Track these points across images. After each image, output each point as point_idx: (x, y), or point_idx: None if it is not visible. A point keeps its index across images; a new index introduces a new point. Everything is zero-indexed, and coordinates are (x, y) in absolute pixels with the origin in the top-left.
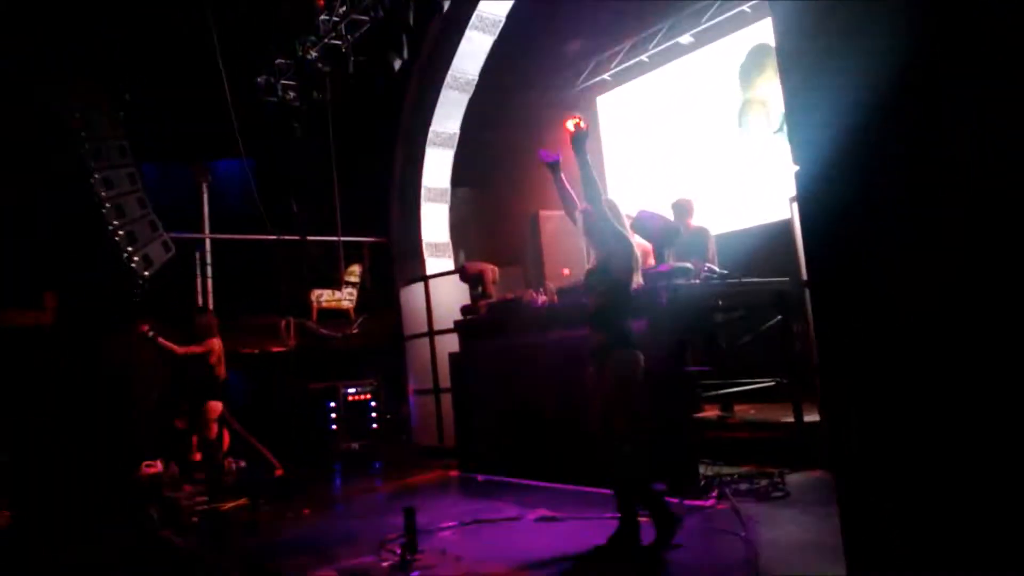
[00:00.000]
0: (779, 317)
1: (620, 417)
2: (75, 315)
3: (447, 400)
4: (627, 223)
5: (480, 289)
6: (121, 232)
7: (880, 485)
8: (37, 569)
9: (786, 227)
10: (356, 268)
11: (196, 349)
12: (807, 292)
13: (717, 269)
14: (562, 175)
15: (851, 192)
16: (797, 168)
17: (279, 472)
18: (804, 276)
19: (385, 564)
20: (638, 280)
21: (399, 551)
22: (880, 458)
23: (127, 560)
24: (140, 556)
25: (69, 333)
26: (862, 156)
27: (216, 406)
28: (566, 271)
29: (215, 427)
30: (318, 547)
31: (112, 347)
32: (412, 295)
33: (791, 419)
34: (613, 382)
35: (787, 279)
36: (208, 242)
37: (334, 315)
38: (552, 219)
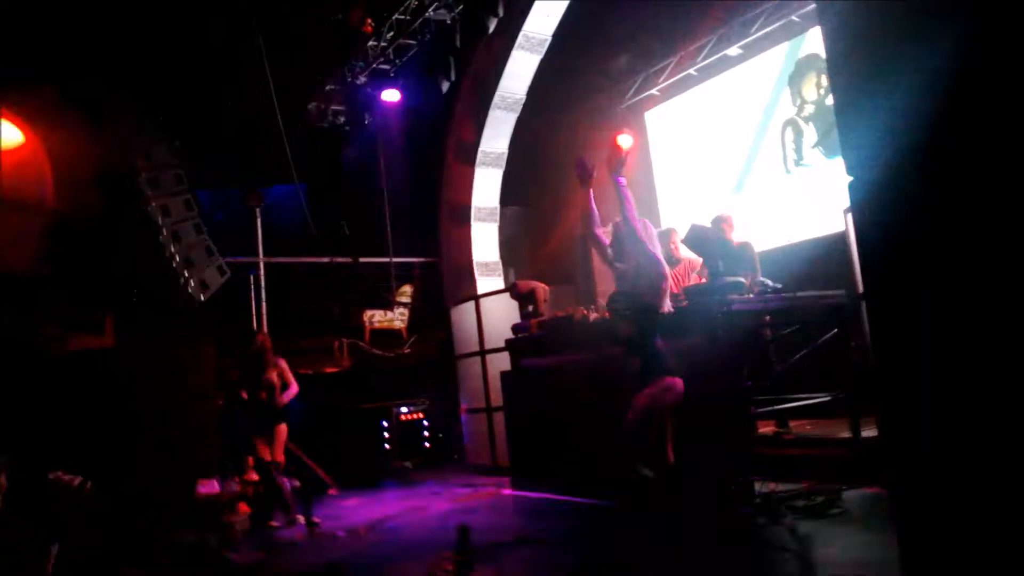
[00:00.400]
0: (835, 331)
1: (653, 438)
2: (134, 338)
3: (499, 419)
4: (659, 246)
5: (531, 308)
6: (178, 258)
7: (942, 504)
8: None
9: (841, 239)
10: (408, 288)
11: (273, 377)
12: (863, 304)
13: (770, 284)
14: (591, 191)
15: (905, 199)
16: (850, 176)
17: (332, 491)
18: (860, 288)
19: None
20: (667, 305)
21: (452, 569)
22: (942, 476)
23: None
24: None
25: (128, 354)
26: (918, 162)
27: (284, 428)
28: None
29: (282, 448)
30: (372, 565)
31: (170, 368)
32: (463, 314)
33: (848, 435)
34: (651, 406)
35: (842, 292)
36: (262, 265)
37: (386, 335)
38: (604, 236)
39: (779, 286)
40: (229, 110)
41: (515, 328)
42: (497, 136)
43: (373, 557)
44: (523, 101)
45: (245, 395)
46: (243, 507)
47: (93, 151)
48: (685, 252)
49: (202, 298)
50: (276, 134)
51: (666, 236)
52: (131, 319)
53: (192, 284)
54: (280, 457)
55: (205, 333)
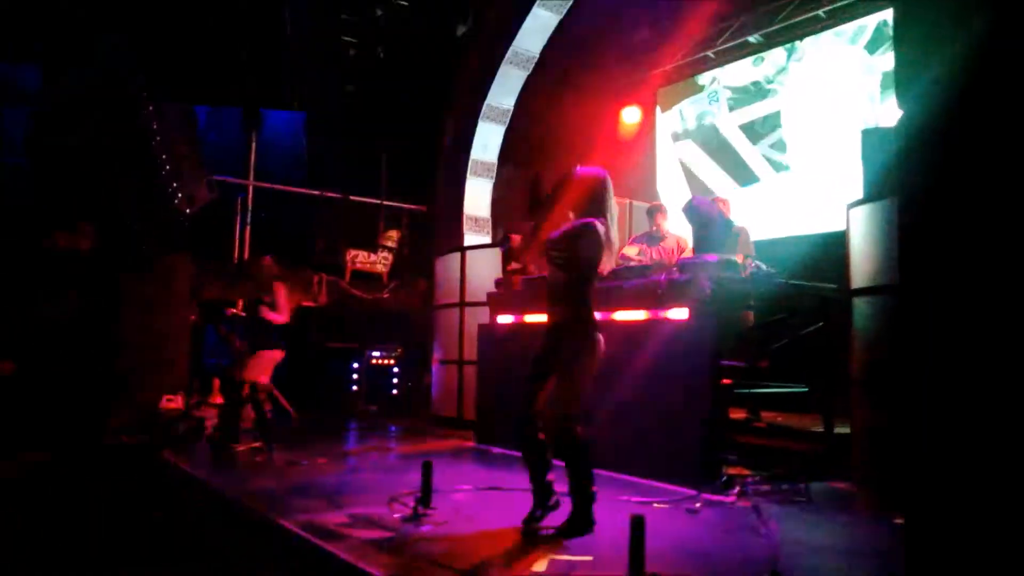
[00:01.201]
0: (820, 324)
1: (571, 397)
2: (113, 245)
3: (469, 373)
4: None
5: (519, 264)
6: (168, 167)
7: (957, 504)
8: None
9: (841, 237)
10: (394, 233)
11: (283, 307)
12: (853, 302)
13: (764, 267)
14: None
15: (953, 179)
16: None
17: (295, 419)
18: (852, 285)
19: (396, 516)
20: (608, 264)
21: (412, 504)
22: (964, 473)
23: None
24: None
25: (105, 262)
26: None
27: (277, 353)
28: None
29: (269, 375)
30: (330, 494)
31: (146, 281)
32: (447, 265)
33: (820, 429)
34: (568, 361)
35: (835, 286)
36: (251, 189)
37: (367, 277)
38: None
39: (773, 270)
40: (234, 25)
41: (498, 283)
42: (506, 92)
43: (332, 485)
44: (536, 60)
45: (232, 312)
46: (208, 426)
47: None
48: (672, 230)
49: (188, 211)
50: (280, 56)
51: (652, 213)
52: (113, 224)
53: (179, 196)
54: (264, 379)
55: (185, 247)
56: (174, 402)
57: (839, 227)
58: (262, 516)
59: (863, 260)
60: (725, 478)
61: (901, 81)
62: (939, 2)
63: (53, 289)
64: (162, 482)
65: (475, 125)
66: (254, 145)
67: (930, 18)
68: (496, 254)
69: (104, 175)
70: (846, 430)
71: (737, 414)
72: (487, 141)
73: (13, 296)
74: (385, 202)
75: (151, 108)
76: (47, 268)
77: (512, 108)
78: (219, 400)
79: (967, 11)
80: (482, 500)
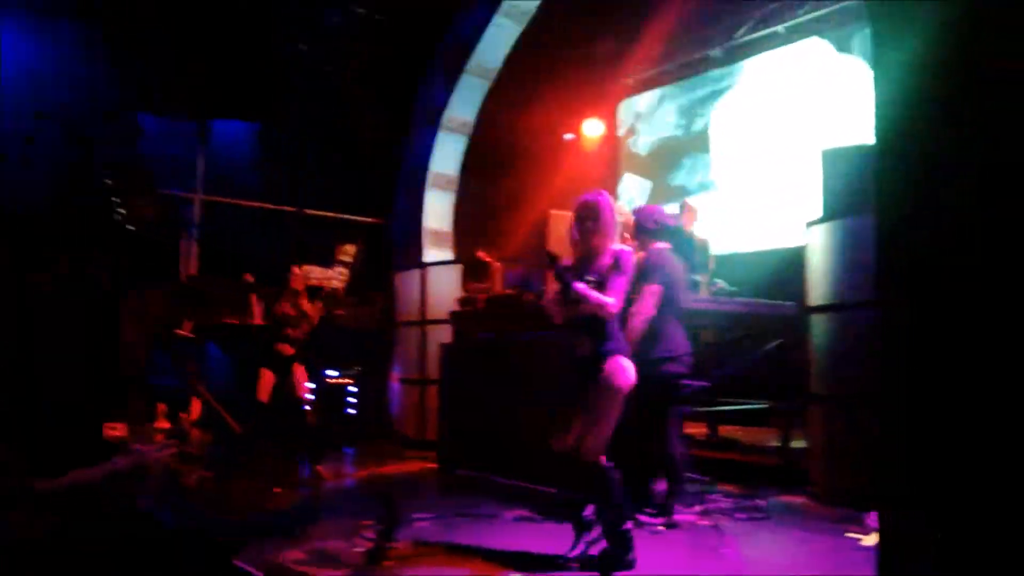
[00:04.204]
0: (779, 341)
1: (600, 434)
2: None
3: (432, 392)
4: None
5: (484, 282)
6: (109, 181)
7: (937, 521)
8: None
9: (798, 254)
10: (350, 248)
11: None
12: (811, 318)
13: (727, 286)
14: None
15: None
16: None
17: (237, 431)
18: (810, 303)
19: (358, 550)
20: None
21: (373, 537)
22: (943, 490)
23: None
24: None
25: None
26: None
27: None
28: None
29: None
30: (286, 527)
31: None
32: (406, 282)
33: (777, 443)
34: (601, 394)
35: (794, 303)
36: (198, 202)
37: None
38: (563, 220)
39: (735, 290)
40: (183, 30)
41: (461, 301)
42: (466, 102)
43: (286, 519)
44: (498, 71)
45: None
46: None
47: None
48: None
49: (130, 228)
50: (232, 64)
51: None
52: (49, 240)
53: (122, 212)
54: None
55: (129, 265)
56: (116, 430)
57: (796, 243)
58: (215, 553)
59: (821, 278)
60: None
61: (877, 59)
62: None
63: None
64: (104, 516)
65: (434, 136)
66: (203, 157)
67: None
68: (457, 270)
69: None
70: (803, 444)
71: (698, 429)
72: (448, 153)
73: None
74: (341, 215)
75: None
76: None
77: (474, 120)
78: (165, 425)
79: None
80: (447, 528)
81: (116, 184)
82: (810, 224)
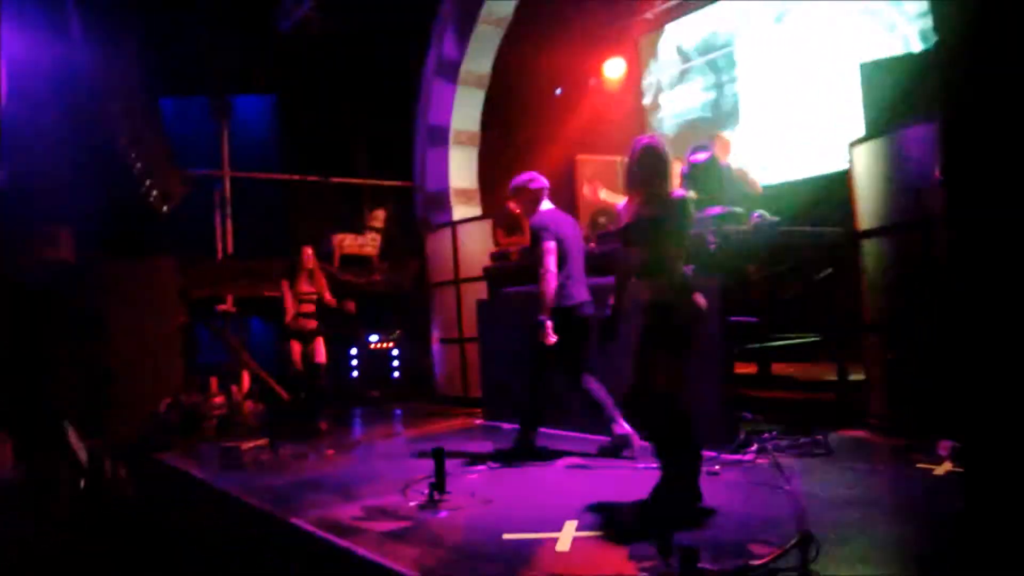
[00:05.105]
0: (828, 270)
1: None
2: (94, 250)
3: (472, 349)
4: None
5: (515, 234)
6: (139, 165)
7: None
8: None
9: (843, 177)
10: (380, 213)
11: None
12: (861, 244)
13: (767, 216)
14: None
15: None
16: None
17: (286, 399)
18: (860, 227)
19: (412, 504)
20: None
21: (427, 491)
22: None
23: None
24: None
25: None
26: None
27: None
28: (602, 219)
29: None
30: (341, 486)
31: (131, 285)
32: (439, 242)
33: (833, 378)
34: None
35: (841, 230)
36: (227, 180)
37: (357, 261)
38: (590, 164)
39: (776, 219)
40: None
41: (494, 256)
42: (482, 54)
43: (342, 477)
44: (510, 18)
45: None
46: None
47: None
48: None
49: (164, 209)
50: (247, 40)
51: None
52: (90, 231)
53: (154, 194)
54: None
55: (166, 248)
56: (218, 397)
57: (838, 167)
58: (273, 515)
59: (870, 200)
60: (743, 436)
61: None
62: None
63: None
64: (166, 484)
65: (454, 92)
66: (226, 133)
67: None
68: (487, 226)
69: (73, 179)
70: (861, 376)
71: (749, 368)
72: (467, 108)
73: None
74: (368, 181)
75: (116, 105)
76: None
77: (490, 71)
78: (220, 400)
79: None
80: (497, 479)
81: (145, 167)
82: (853, 144)
